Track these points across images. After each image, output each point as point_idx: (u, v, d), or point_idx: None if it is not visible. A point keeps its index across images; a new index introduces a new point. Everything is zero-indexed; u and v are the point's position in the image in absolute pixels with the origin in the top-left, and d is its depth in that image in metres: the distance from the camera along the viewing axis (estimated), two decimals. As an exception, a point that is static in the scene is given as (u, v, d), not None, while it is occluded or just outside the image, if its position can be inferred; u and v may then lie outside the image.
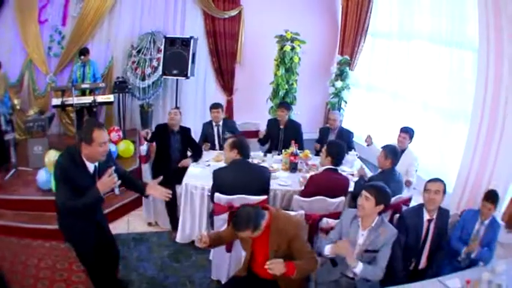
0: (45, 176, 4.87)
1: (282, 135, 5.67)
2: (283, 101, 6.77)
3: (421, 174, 5.12)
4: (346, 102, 7.67)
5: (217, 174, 3.87)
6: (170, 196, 3.22)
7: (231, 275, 3.72)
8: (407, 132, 4.96)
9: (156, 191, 3.22)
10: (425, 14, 6.08)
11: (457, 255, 3.54)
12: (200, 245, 2.96)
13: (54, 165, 3.00)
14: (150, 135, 4.88)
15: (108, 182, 2.88)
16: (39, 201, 4.79)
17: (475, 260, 3.44)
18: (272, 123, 5.87)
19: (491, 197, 3.54)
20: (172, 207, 4.72)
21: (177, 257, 4.41)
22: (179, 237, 4.52)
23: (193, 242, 4.50)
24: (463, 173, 4.79)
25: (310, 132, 5.83)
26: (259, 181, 3.89)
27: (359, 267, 2.94)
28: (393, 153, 4.18)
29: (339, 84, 7.48)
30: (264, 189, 3.95)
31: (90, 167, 3.00)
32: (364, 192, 3.07)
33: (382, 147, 4.31)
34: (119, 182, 2.94)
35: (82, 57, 6.08)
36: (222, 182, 3.78)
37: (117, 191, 3.17)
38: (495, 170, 4.42)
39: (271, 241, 2.87)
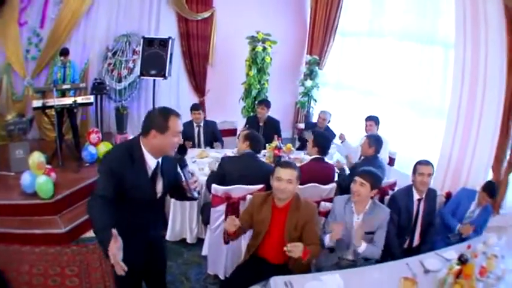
0: (29, 179, 4.53)
1: (261, 131, 5.62)
2: (263, 98, 6.68)
3: (398, 168, 5.20)
4: (315, 101, 7.68)
5: (226, 161, 3.78)
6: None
7: (229, 267, 3.63)
8: (371, 119, 5.11)
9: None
10: (395, 11, 6.10)
11: (450, 231, 3.65)
12: (231, 228, 2.75)
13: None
14: None
15: (113, 252, 1.94)
16: (25, 205, 4.48)
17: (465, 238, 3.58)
18: (252, 121, 5.85)
19: (489, 190, 3.68)
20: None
21: (168, 255, 4.22)
22: (169, 235, 4.36)
23: (183, 239, 4.43)
24: (441, 164, 4.88)
25: (282, 131, 5.87)
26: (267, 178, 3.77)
27: (363, 247, 2.97)
28: (377, 141, 4.29)
29: (308, 83, 7.45)
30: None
31: (152, 162, 2.34)
32: (358, 179, 3.09)
33: (366, 136, 4.43)
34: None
35: (62, 57, 5.73)
36: (229, 169, 3.68)
37: (195, 194, 2.48)
38: (473, 161, 4.54)
39: (289, 219, 2.84)
